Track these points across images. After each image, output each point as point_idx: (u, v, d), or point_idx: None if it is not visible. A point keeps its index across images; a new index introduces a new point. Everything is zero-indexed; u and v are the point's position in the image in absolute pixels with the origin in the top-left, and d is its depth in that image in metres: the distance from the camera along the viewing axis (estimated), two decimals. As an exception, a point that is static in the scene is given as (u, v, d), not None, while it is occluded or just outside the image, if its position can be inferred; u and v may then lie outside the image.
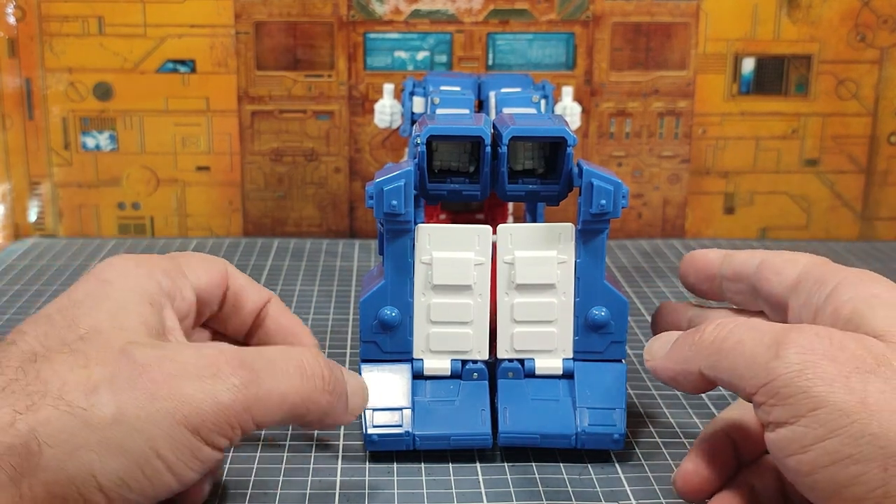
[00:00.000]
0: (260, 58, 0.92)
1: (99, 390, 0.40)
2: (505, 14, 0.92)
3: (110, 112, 0.93)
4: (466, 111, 0.61)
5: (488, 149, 0.53)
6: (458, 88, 0.69)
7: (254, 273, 0.85)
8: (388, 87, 0.77)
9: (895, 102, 0.95)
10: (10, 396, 0.39)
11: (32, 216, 0.95)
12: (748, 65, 0.94)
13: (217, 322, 0.55)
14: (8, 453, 0.38)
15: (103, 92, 0.92)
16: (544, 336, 0.54)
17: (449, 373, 0.55)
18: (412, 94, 0.72)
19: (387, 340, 0.55)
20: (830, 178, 0.97)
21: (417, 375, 0.55)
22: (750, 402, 0.41)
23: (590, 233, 0.53)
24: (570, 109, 0.76)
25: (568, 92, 0.77)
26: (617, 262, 0.89)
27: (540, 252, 0.54)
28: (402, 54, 0.93)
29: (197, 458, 0.41)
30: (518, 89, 0.69)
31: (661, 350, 0.47)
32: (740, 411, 0.49)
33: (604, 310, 0.54)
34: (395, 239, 0.54)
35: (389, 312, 0.54)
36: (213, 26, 0.91)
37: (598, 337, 0.54)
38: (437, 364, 0.55)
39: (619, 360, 0.55)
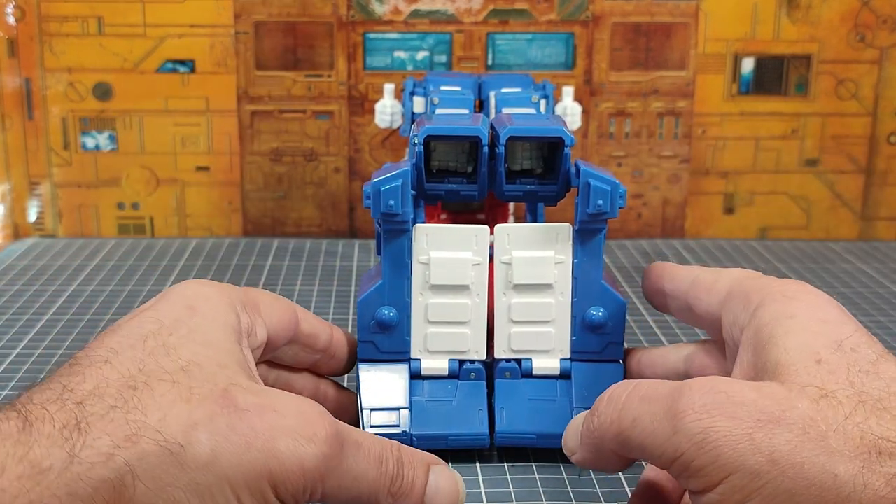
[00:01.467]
0: (259, 58, 0.92)
1: (198, 428, 0.39)
2: (504, 14, 0.92)
3: (110, 112, 0.93)
4: (466, 111, 0.61)
5: (486, 149, 0.53)
6: (458, 88, 0.69)
7: (254, 273, 0.85)
8: (389, 87, 0.77)
9: (895, 102, 0.95)
10: (109, 424, 0.38)
11: (32, 216, 0.95)
12: (748, 65, 0.94)
13: (276, 357, 0.54)
14: (103, 487, 0.36)
15: (103, 92, 0.92)
16: (542, 336, 0.54)
17: (447, 373, 0.55)
18: (412, 93, 0.72)
19: (384, 340, 0.54)
20: (830, 178, 0.97)
21: (415, 375, 0.54)
22: None
23: (587, 233, 0.53)
24: (570, 109, 0.76)
25: (568, 92, 0.77)
26: (617, 262, 0.89)
27: (537, 252, 0.54)
28: (401, 54, 0.93)
29: None
30: (518, 89, 0.69)
31: (574, 440, 0.45)
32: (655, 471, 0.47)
33: (601, 310, 0.54)
34: (392, 239, 0.54)
35: (387, 312, 0.54)
36: (212, 26, 0.91)
37: (595, 337, 0.54)
38: (434, 364, 0.55)
39: (617, 361, 0.55)
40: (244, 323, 0.48)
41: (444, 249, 0.54)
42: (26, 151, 0.93)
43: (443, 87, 0.70)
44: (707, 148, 0.95)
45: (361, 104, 0.93)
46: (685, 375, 0.51)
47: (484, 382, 0.55)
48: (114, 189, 0.94)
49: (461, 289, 0.54)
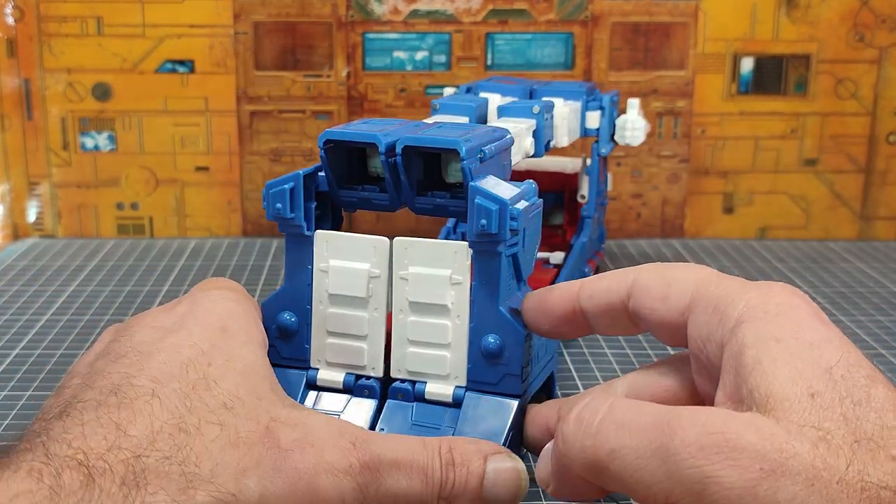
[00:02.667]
0: (259, 58, 0.92)
1: (247, 474, 0.39)
2: (504, 14, 0.92)
3: (109, 112, 0.93)
4: (466, 119, 0.61)
5: (383, 157, 0.50)
6: (507, 97, 0.70)
7: (253, 273, 0.85)
8: (449, 91, 0.76)
9: (894, 102, 0.95)
10: (164, 479, 0.38)
11: (31, 216, 0.95)
12: (747, 64, 0.94)
13: None
14: None
15: (102, 92, 0.92)
16: (437, 360, 0.51)
17: (341, 386, 0.53)
18: None
19: (285, 346, 0.53)
20: (829, 177, 0.97)
21: (311, 385, 0.53)
22: None
23: (484, 254, 0.49)
24: (631, 123, 0.75)
25: (633, 104, 0.75)
26: (616, 263, 0.89)
27: (434, 270, 0.50)
28: (400, 54, 0.92)
29: None
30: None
31: (545, 470, 0.43)
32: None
33: (498, 338, 0.49)
34: (293, 243, 0.52)
35: (288, 318, 0.52)
36: (211, 26, 0.91)
37: (491, 367, 0.50)
38: (330, 376, 0.53)
39: (516, 396, 0.50)
40: (263, 335, 0.48)
41: (343, 258, 0.52)
42: (25, 152, 0.93)
43: (483, 94, 0.71)
44: (706, 148, 0.95)
45: (361, 104, 0.93)
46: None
47: (375, 401, 0.52)
48: (113, 189, 0.94)
49: (359, 301, 0.52)
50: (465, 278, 0.50)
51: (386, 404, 0.52)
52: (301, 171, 0.51)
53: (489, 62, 0.93)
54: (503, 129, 0.54)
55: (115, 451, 0.37)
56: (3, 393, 0.61)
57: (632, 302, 0.44)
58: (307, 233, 0.52)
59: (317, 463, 0.41)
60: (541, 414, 0.49)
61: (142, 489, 0.37)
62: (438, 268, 0.50)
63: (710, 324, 0.40)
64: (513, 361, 0.49)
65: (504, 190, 0.49)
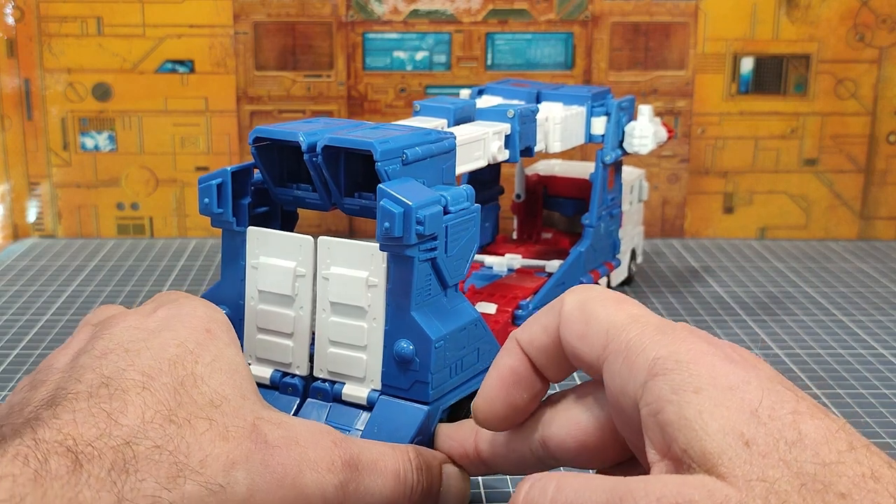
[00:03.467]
0: (259, 58, 0.92)
1: (236, 467, 0.40)
2: (504, 14, 0.92)
3: (109, 112, 0.93)
4: (444, 121, 0.61)
5: (307, 155, 0.50)
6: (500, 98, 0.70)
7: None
8: (465, 94, 0.76)
9: (894, 102, 0.95)
10: (154, 466, 0.38)
11: (31, 217, 0.95)
12: (747, 64, 0.94)
13: None
14: None
15: (102, 92, 0.92)
16: (354, 361, 0.51)
17: (269, 382, 0.53)
18: None
19: None
20: (829, 177, 0.97)
21: None
22: None
23: (398, 258, 0.49)
24: (639, 131, 0.73)
25: (644, 111, 0.74)
26: (616, 262, 0.89)
27: (352, 271, 0.50)
28: (400, 54, 0.93)
29: None
30: (519, 102, 0.69)
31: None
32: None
33: (410, 344, 0.49)
34: (227, 238, 0.53)
35: (224, 311, 0.52)
36: (211, 26, 0.91)
37: (403, 373, 0.49)
38: (259, 372, 0.53)
39: (425, 402, 0.49)
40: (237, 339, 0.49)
41: (272, 256, 0.52)
42: (25, 152, 0.93)
43: (488, 97, 0.71)
44: (706, 147, 0.95)
45: (360, 104, 0.93)
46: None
47: (297, 399, 0.52)
48: (113, 189, 0.94)
49: (286, 299, 0.52)
50: (381, 281, 0.50)
51: (305, 403, 0.52)
52: (230, 168, 0.52)
53: (489, 62, 0.93)
54: (445, 132, 0.53)
55: (106, 439, 0.38)
56: (3, 394, 0.61)
57: (560, 333, 0.42)
58: (237, 228, 0.53)
59: (301, 459, 0.42)
60: (457, 435, 0.48)
61: (131, 475, 0.37)
62: (357, 269, 0.50)
63: (622, 374, 0.38)
64: (422, 368, 0.49)
65: (417, 193, 0.48)
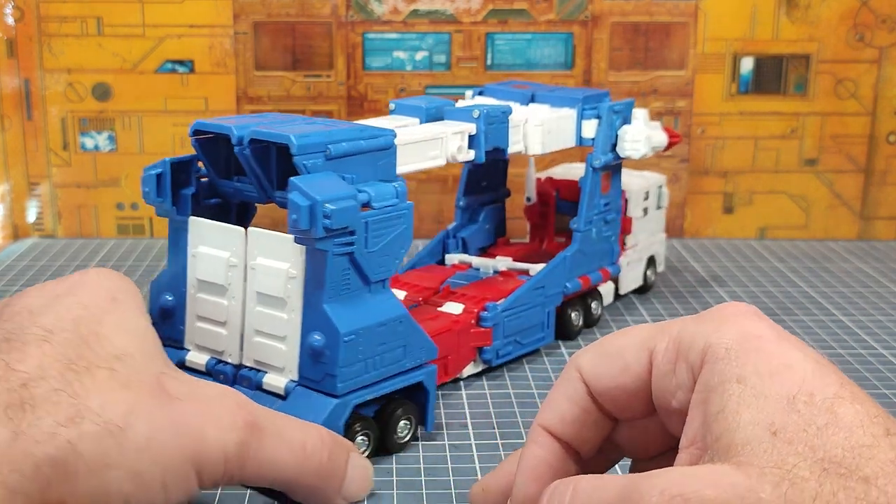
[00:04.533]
0: (259, 58, 0.92)
1: (136, 414, 0.41)
2: (504, 14, 0.92)
3: (109, 112, 0.93)
4: (416, 120, 0.61)
5: (237, 148, 0.51)
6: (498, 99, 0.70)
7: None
8: (468, 95, 0.75)
9: (894, 102, 0.95)
10: (52, 406, 0.39)
11: (31, 217, 0.95)
12: (747, 64, 0.94)
13: None
14: (45, 464, 0.38)
15: (102, 92, 0.92)
16: (275, 352, 0.52)
17: (204, 369, 0.55)
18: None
19: (163, 326, 0.55)
20: (829, 177, 0.97)
21: (181, 365, 0.55)
22: None
23: (313, 251, 0.50)
24: (631, 135, 0.70)
25: (637, 115, 0.72)
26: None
27: (275, 263, 0.51)
28: (400, 54, 0.93)
29: (189, 492, 0.43)
30: (503, 102, 0.68)
31: None
32: None
33: (322, 336, 0.50)
34: (172, 227, 0.55)
35: (168, 298, 0.55)
36: (211, 26, 0.91)
37: (315, 365, 0.50)
38: (197, 358, 0.55)
39: (334, 395, 0.50)
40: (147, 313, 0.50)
41: (208, 246, 0.54)
42: (25, 152, 0.93)
43: (482, 98, 0.71)
44: (706, 148, 0.95)
45: (360, 104, 0.93)
46: None
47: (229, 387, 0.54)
48: (113, 189, 0.94)
49: (219, 288, 0.53)
50: (299, 273, 0.51)
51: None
52: (170, 159, 0.54)
53: (489, 62, 0.93)
54: (383, 129, 0.54)
55: (2, 383, 0.39)
56: (3, 393, 0.61)
57: (594, 391, 0.41)
58: (178, 217, 0.55)
59: (203, 414, 0.43)
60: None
61: (28, 413, 0.38)
62: (280, 261, 0.51)
63: (679, 374, 0.38)
64: (331, 361, 0.50)
65: (329, 188, 0.49)
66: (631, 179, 0.78)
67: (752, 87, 0.95)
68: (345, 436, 0.50)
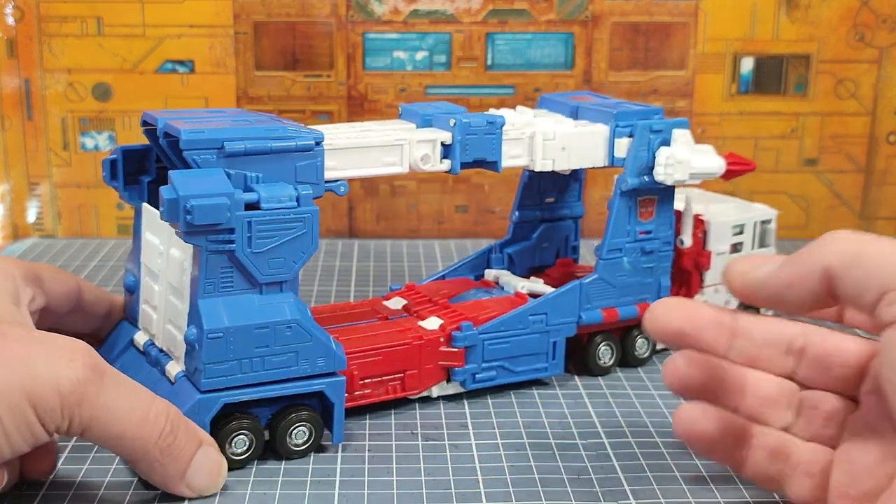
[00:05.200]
0: (259, 58, 0.92)
1: None
2: (504, 14, 0.92)
3: (109, 112, 0.93)
4: (413, 125, 0.61)
5: (161, 140, 0.53)
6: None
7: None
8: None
9: (894, 102, 0.95)
10: None
11: (31, 217, 0.95)
12: (747, 64, 0.94)
13: (62, 325, 0.59)
14: None
15: (102, 92, 0.92)
16: (175, 340, 0.53)
17: (142, 349, 0.57)
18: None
19: (128, 304, 0.59)
20: (829, 177, 0.97)
21: (132, 343, 0.57)
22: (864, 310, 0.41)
23: (197, 246, 0.50)
24: (666, 158, 0.62)
25: (678, 137, 0.63)
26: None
27: (177, 253, 0.53)
28: (401, 54, 0.93)
29: (31, 432, 0.44)
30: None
31: (759, 265, 0.45)
32: None
33: (195, 331, 0.51)
34: (136, 212, 0.58)
35: (131, 278, 0.58)
36: (211, 26, 0.91)
37: (190, 358, 0.52)
38: (139, 338, 0.57)
39: (198, 390, 0.51)
40: (22, 291, 0.53)
41: (151, 232, 0.56)
42: (25, 152, 0.93)
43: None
44: (706, 147, 0.95)
45: (361, 104, 0.93)
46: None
47: (154, 370, 0.56)
48: (113, 189, 0.94)
49: (154, 273, 0.56)
50: (189, 265, 0.52)
51: (147, 373, 0.55)
52: (123, 147, 0.56)
53: (489, 62, 0.93)
54: (307, 131, 0.54)
55: None
56: (3, 393, 0.61)
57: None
58: (130, 202, 0.58)
59: (37, 351, 0.44)
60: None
61: None
62: (180, 251, 0.53)
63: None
64: (198, 356, 0.50)
65: (203, 184, 0.49)
66: (719, 208, 0.71)
67: (753, 87, 0.95)
68: (214, 432, 0.51)
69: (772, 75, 0.94)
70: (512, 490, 0.51)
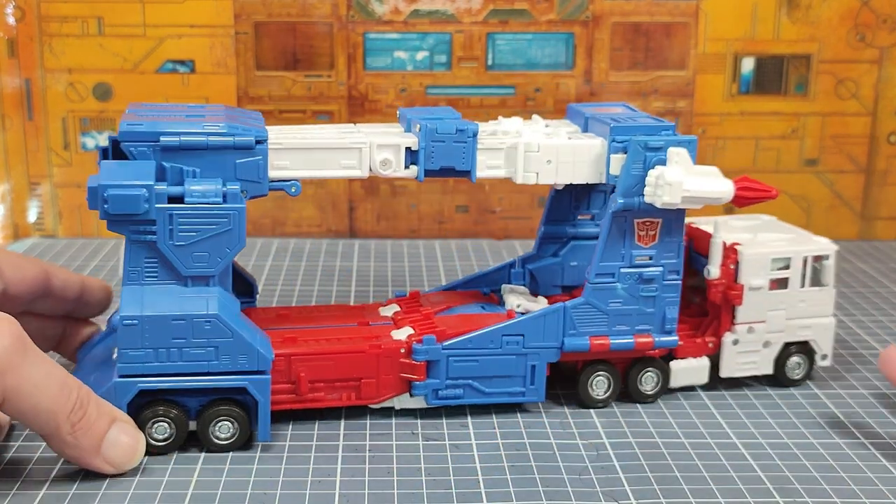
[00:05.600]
0: (259, 58, 0.92)
1: None
2: (504, 14, 0.92)
3: (110, 112, 0.93)
4: (401, 128, 0.60)
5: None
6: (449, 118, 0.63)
7: (253, 273, 0.85)
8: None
9: (895, 102, 0.95)
10: None
11: (32, 217, 0.95)
12: (748, 64, 0.94)
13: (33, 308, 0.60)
14: None
15: (103, 92, 0.92)
16: None
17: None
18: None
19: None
20: (830, 177, 0.97)
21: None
22: None
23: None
24: (655, 179, 0.57)
25: (673, 157, 0.57)
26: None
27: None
28: (401, 54, 0.93)
29: None
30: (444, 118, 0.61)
31: None
32: None
33: (117, 317, 0.53)
34: None
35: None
36: (212, 26, 0.91)
37: (115, 342, 0.55)
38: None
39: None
40: None
41: None
42: (26, 152, 0.93)
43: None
44: (707, 148, 0.95)
45: (361, 104, 0.93)
46: None
47: None
48: (114, 189, 0.94)
49: None
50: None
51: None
52: (111, 136, 0.56)
53: (489, 62, 0.93)
54: (252, 129, 0.54)
55: None
56: (4, 393, 0.61)
57: None
58: None
59: None
60: None
61: None
62: None
63: None
64: (116, 340, 0.53)
65: (125, 174, 0.52)
66: (766, 238, 0.64)
67: (753, 87, 0.95)
68: (135, 418, 0.52)
69: (772, 75, 0.94)
70: (512, 490, 0.51)
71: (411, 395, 0.59)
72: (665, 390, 0.62)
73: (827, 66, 0.94)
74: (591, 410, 0.60)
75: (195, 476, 0.52)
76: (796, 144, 0.96)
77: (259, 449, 0.55)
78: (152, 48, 0.91)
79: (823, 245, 0.64)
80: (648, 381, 0.62)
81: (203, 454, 0.54)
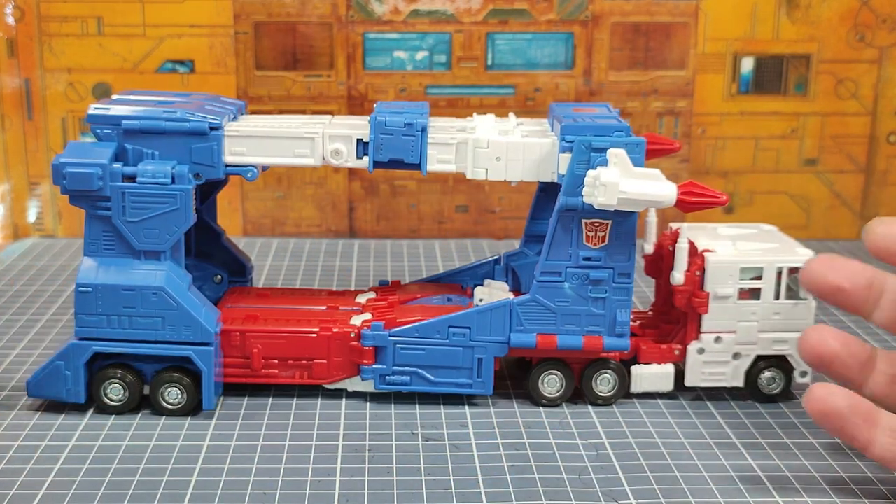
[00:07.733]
0: (259, 58, 0.92)
1: None
2: (504, 14, 0.92)
3: (109, 112, 0.92)
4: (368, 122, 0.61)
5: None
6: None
7: (253, 273, 0.84)
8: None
9: (894, 102, 0.95)
10: None
11: (32, 216, 0.95)
12: (747, 64, 0.94)
13: None
14: None
15: (103, 92, 0.92)
16: None
17: None
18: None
19: None
20: (830, 177, 0.97)
21: None
22: None
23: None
24: (591, 178, 0.56)
25: (612, 158, 0.56)
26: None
27: None
28: (401, 54, 0.93)
29: None
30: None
31: None
32: None
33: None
34: None
35: None
36: (212, 26, 0.91)
37: None
38: None
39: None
40: None
41: None
42: (26, 152, 0.93)
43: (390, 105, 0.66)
44: (707, 148, 0.95)
45: (361, 104, 0.93)
46: None
47: None
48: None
49: None
50: None
51: None
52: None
53: (489, 62, 0.93)
54: (201, 116, 0.58)
55: None
56: (4, 393, 0.61)
57: None
58: None
59: None
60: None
61: None
62: None
63: None
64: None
65: (83, 154, 0.57)
66: (744, 248, 0.63)
67: (753, 87, 0.95)
68: (89, 376, 0.58)
69: (772, 75, 0.94)
70: (512, 490, 0.51)
71: (362, 380, 0.61)
72: (624, 394, 0.61)
73: (827, 66, 0.94)
74: (591, 410, 0.60)
75: (198, 464, 0.52)
76: (796, 144, 0.96)
77: (259, 449, 0.55)
78: (152, 48, 0.91)
79: (801, 257, 0.62)
80: (605, 384, 0.61)
81: (206, 448, 0.54)
